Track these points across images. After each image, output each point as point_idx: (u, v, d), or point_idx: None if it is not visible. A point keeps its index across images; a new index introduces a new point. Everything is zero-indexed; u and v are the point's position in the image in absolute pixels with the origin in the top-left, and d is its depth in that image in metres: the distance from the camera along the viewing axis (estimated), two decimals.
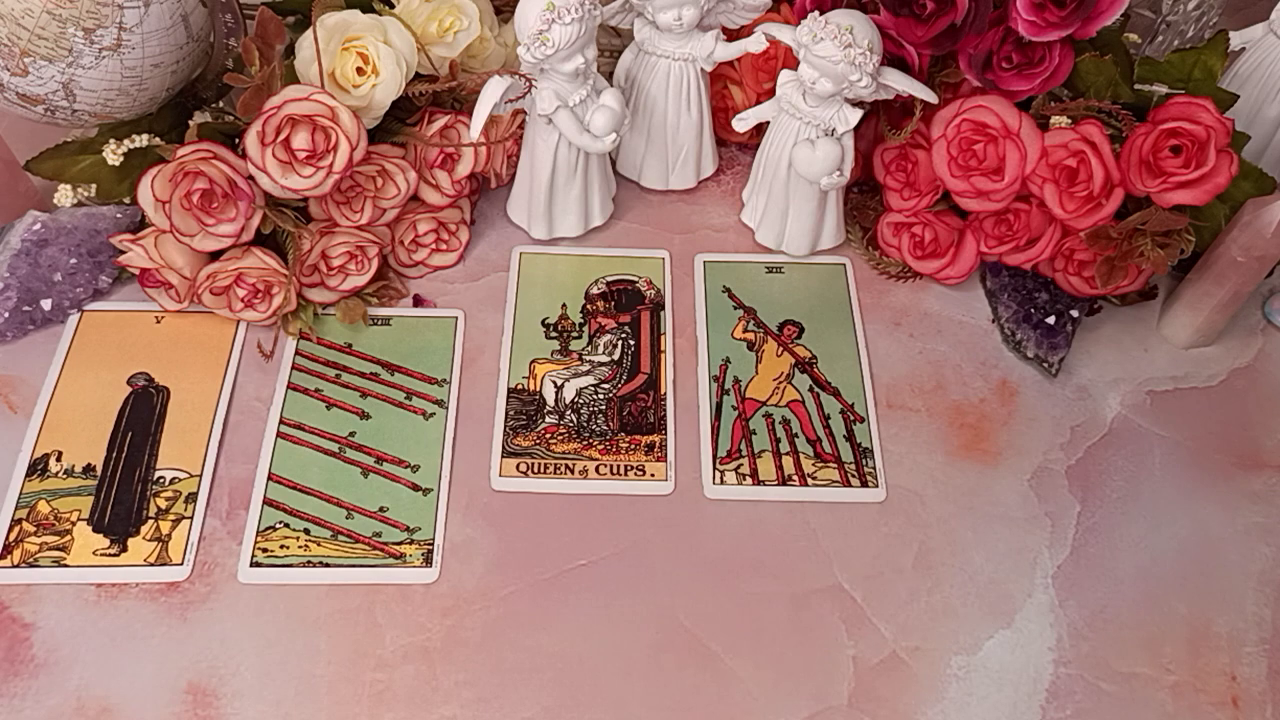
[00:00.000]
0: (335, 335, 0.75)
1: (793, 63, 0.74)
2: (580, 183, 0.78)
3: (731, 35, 0.78)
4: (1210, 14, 0.86)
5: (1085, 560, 0.67)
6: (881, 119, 0.78)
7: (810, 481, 0.69)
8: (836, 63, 0.68)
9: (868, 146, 0.80)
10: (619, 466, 0.69)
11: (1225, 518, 0.69)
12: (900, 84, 0.71)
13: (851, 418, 0.72)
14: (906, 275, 0.80)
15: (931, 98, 0.72)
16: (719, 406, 0.73)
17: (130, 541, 0.65)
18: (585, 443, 0.70)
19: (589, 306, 0.78)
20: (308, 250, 0.71)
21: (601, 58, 0.76)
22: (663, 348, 0.76)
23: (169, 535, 0.65)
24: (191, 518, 0.66)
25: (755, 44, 0.75)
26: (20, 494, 0.66)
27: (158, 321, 0.75)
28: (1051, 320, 0.75)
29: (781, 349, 0.76)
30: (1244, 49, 0.78)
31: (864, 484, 0.69)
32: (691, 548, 0.66)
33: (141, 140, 0.72)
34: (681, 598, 0.64)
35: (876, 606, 0.64)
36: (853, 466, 0.70)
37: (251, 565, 0.64)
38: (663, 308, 0.78)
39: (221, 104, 0.77)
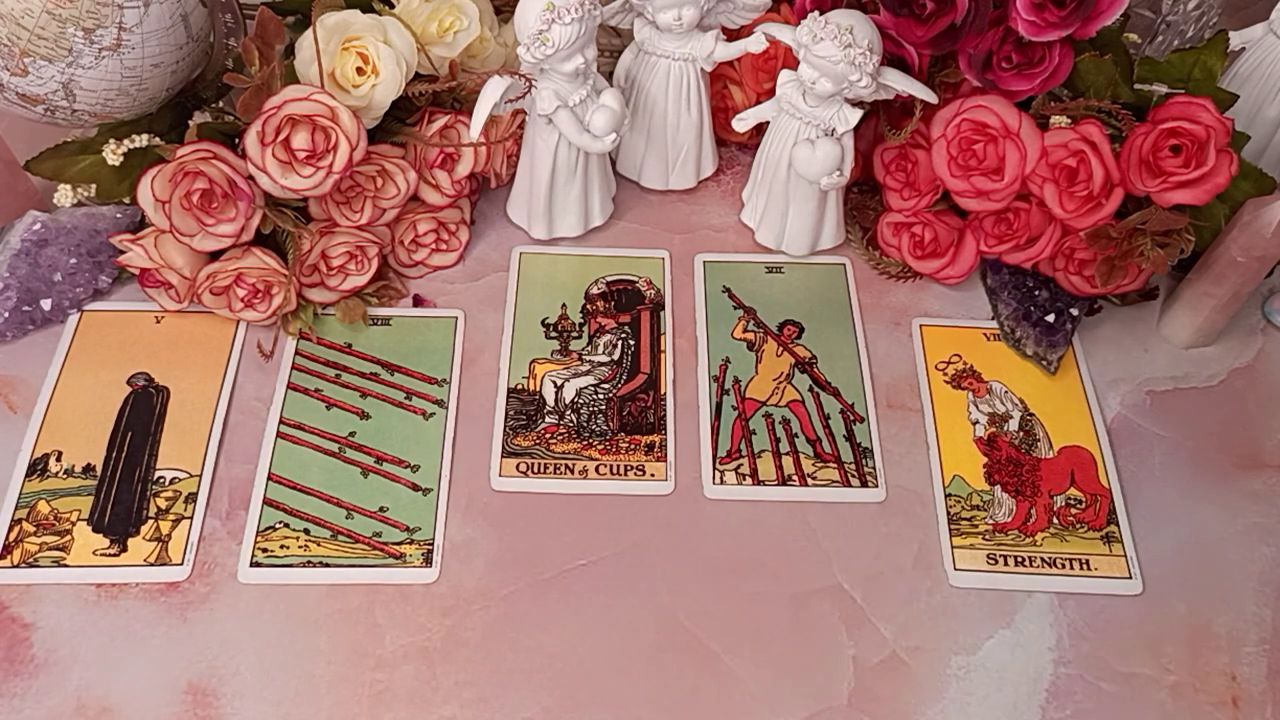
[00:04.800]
0: (335, 335, 0.75)
1: (793, 63, 0.74)
2: (580, 183, 0.78)
3: (731, 35, 0.78)
4: (1210, 14, 0.86)
5: None
6: (881, 119, 0.78)
7: (810, 481, 0.69)
8: (836, 63, 0.68)
9: (868, 146, 0.80)
10: (619, 466, 0.69)
11: (1225, 518, 0.69)
12: (900, 84, 0.71)
13: (851, 418, 0.72)
14: (906, 275, 0.80)
15: (931, 98, 0.72)
16: (719, 406, 0.73)
17: (130, 541, 0.65)
18: (585, 443, 0.70)
19: (589, 306, 0.78)
20: (308, 250, 0.71)
21: (601, 58, 0.76)
22: (663, 348, 0.76)
23: (169, 535, 0.65)
24: (191, 518, 0.66)
25: (755, 44, 0.75)
26: (20, 494, 0.66)
27: (158, 321, 0.75)
28: (1051, 318, 0.75)
29: (781, 349, 0.76)
30: (1244, 49, 0.78)
31: (864, 484, 0.69)
32: (691, 548, 0.66)
33: (141, 140, 0.72)
34: (681, 598, 0.64)
35: (876, 606, 0.64)
36: (853, 466, 0.70)
37: (251, 565, 0.64)
38: (663, 308, 0.78)
39: (221, 104, 0.77)
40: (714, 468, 0.70)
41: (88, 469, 0.67)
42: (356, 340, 0.75)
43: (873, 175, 0.80)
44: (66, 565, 0.64)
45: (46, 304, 0.73)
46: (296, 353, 0.74)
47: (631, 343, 0.76)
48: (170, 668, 0.60)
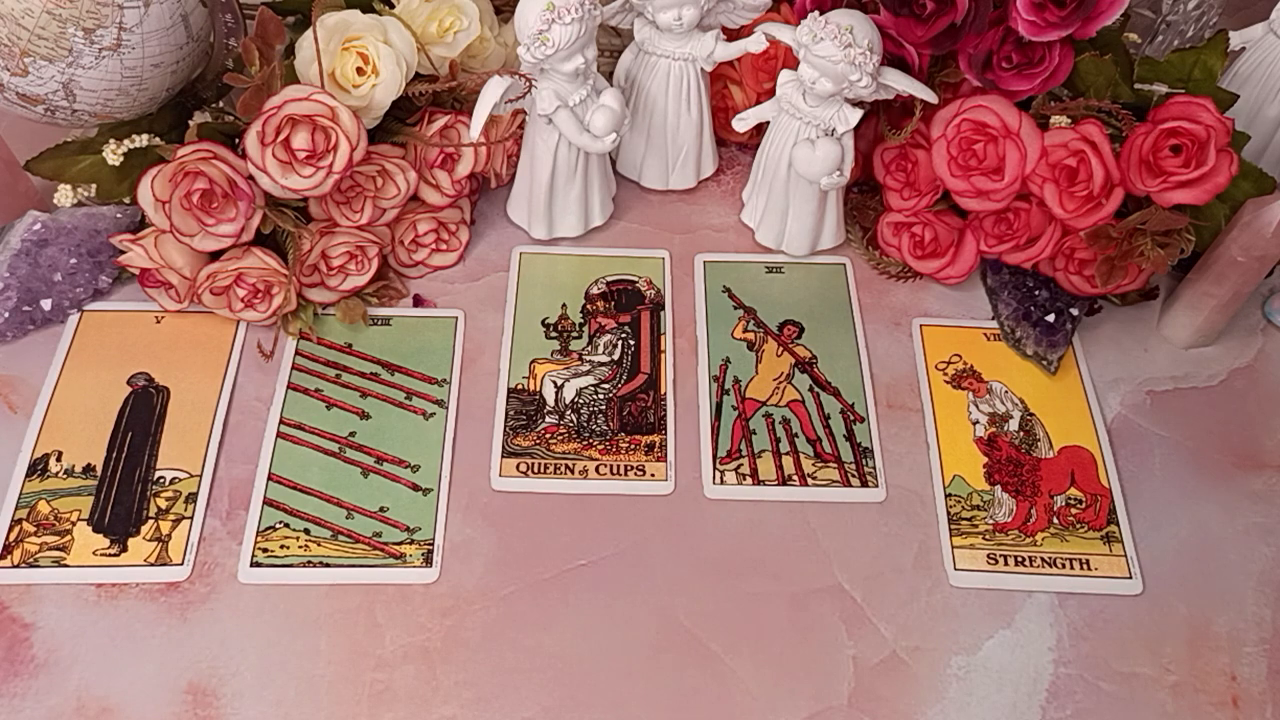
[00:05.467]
0: (335, 335, 0.75)
1: (793, 63, 0.74)
2: (580, 183, 0.78)
3: (731, 35, 0.78)
4: (1210, 14, 0.86)
5: None
6: (881, 119, 0.78)
7: (810, 481, 0.69)
8: (836, 63, 0.68)
9: (868, 146, 0.80)
10: (619, 466, 0.69)
11: (1225, 518, 0.69)
12: (900, 84, 0.71)
13: (851, 417, 0.72)
14: (906, 275, 0.80)
15: (931, 98, 0.72)
16: (719, 406, 0.73)
17: (130, 541, 0.65)
18: (585, 443, 0.70)
19: (589, 306, 0.78)
20: (308, 250, 0.71)
21: (601, 58, 0.76)
22: (663, 348, 0.76)
23: (169, 535, 0.65)
24: (191, 518, 0.66)
25: (755, 44, 0.75)
26: (20, 494, 0.66)
27: (158, 321, 0.75)
28: (1051, 318, 0.75)
29: (781, 349, 0.76)
30: (1244, 49, 0.78)
31: (864, 484, 0.69)
32: (691, 548, 0.66)
33: (141, 140, 0.72)
34: (681, 598, 0.64)
35: (876, 606, 0.64)
36: (853, 466, 0.70)
37: (251, 565, 0.64)
38: (663, 308, 0.78)
39: (221, 104, 0.77)
40: (714, 468, 0.70)
41: (88, 469, 0.67)
42: (357, 340, 0.75)
43: (873, 175, 0.80)
44: (66, 565, 0.64)
45: (46, 304, 0.73)
46: (296, 353, 0.74)
47: (631, 343, 0.76)
48: (170, 668, 0.60)
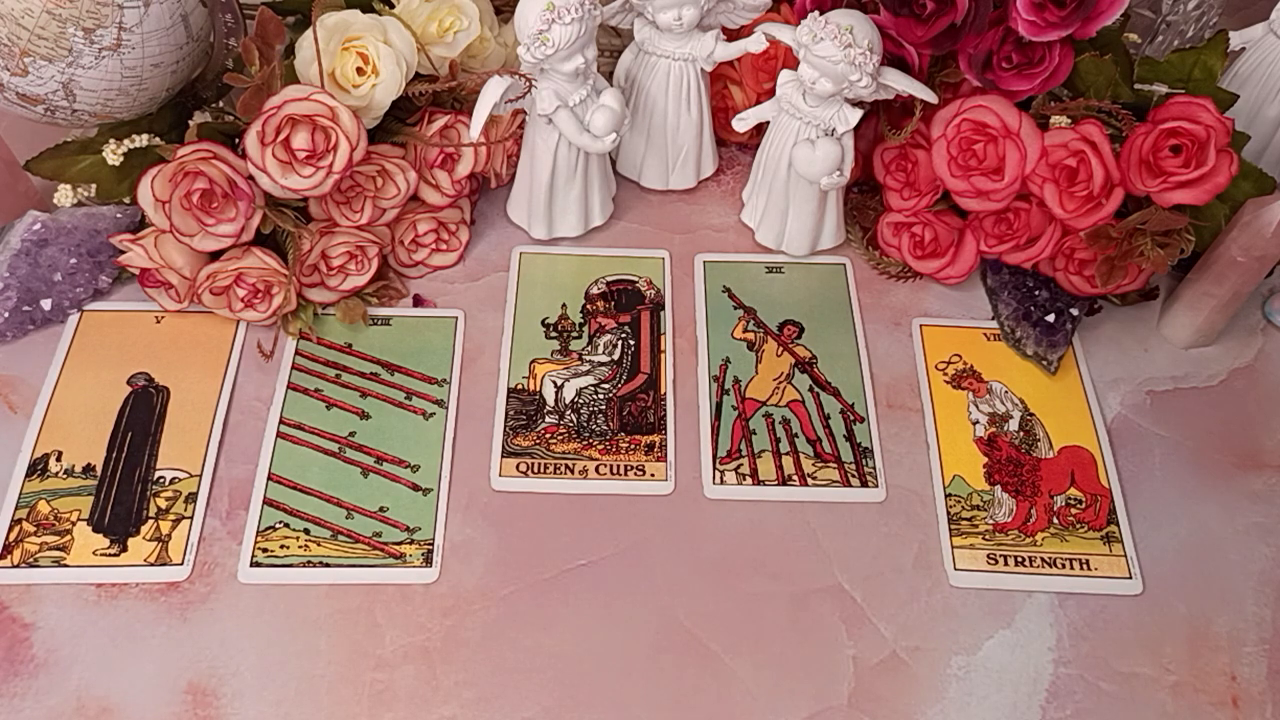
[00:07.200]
0: (335, 335, 0.75)
1: (793, 63, 0.74)
2: (580, 183, 0.78)
3: (731, 35, 0.78)
4: (1210, 14, 0.86)
5: None
6: (881, 119, 0.78)
7: (810, 481, 0.69)
8: (836, 63, 0.68)
9: (868, 146, 0.80)
10: (619, 466, 0.69)
11: (1225, 518, 0.69)
12: (900, 84, 0.71)
13: (851, 418, 0.72)
14: (906, 275, 0.80)
15: (931, 98, 0.72)
16: (719, 406, 0.73)
17: (130, 541, 0.65)
18: (585, 443, 0.70)
19: (589, 306, 0.78)
20: (308, 250, 0.71)
21: (601, 58, 0.76)
22: (663, 348, 0.76)
23: (169, 535, 0.65)
24: (191, 518, 0.66)
25: (755, 44, 0.75)
26: (20, 494, 0.66)
27: (158, 321, 0.75)
28: (1051, 318, 0.75)
29: (781, 349, 0.76)
30: (1244, 49, 0.78)
31: (864, 484, 0.69)
32: (691, 548, 0.66)
33: (141, 140, 0.72)
34: (681, 598, 0.64)
35: (876, 606, 0.64)
36: (853, 466, 0.70)
37: (251, 565, 0.64)
38: (663, 308, 0.78)
39: (221, 104, 0.77)
40: (714, 468, 0.70)
41: (88, 469, 0.67)
42: (356, 340, 0.75)
43: (873, 175, 0.80)
44: (66, 565, 0.64)
45: (46, 304, 0.73)
46: (296, 353, 0.74)
47: (631, 343, 0.76)
48: (170, 668, 0.60)
